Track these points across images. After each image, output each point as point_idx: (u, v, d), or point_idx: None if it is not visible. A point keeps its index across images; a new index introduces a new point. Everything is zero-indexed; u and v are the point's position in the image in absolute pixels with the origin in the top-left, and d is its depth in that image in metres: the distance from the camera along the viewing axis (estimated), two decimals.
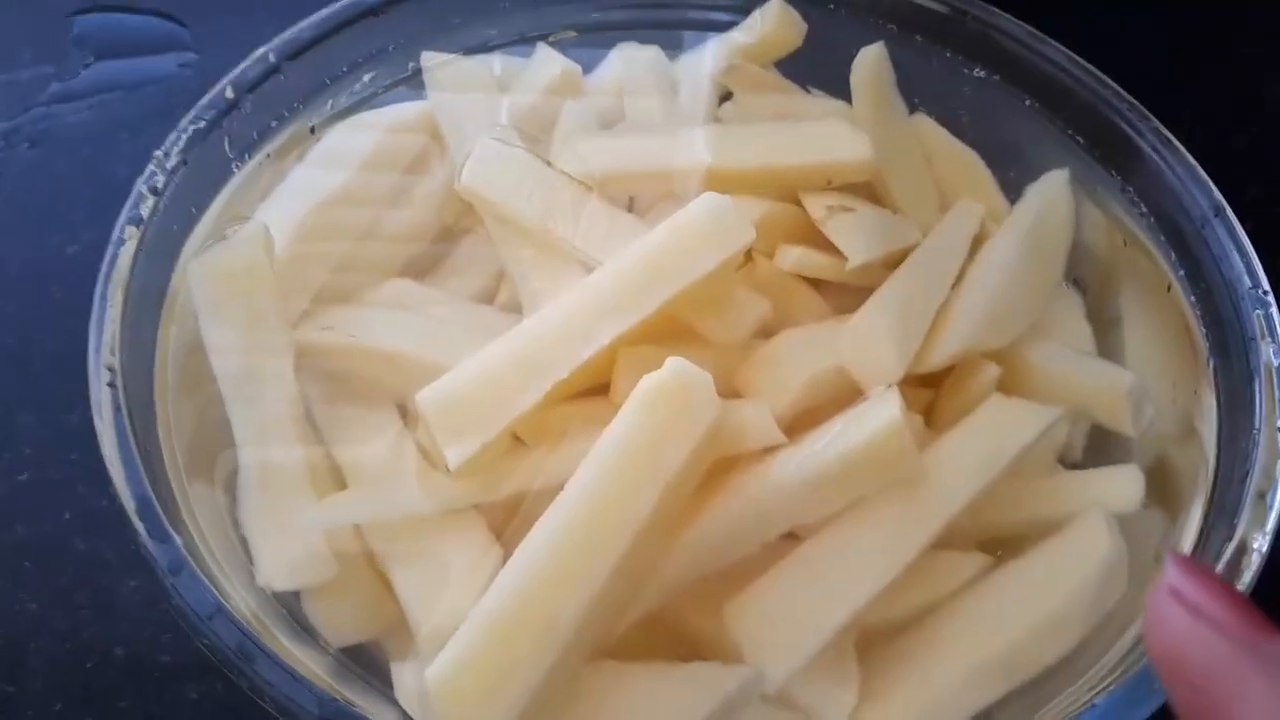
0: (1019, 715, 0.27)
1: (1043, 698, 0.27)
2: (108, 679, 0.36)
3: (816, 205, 0.34)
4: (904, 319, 0.32)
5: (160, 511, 0.25)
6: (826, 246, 0.33)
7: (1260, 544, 0.27)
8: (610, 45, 0.39)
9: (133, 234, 0.29)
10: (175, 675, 0.36)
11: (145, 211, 0.30)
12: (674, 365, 0.28)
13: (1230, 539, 0.28)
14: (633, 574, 0.27)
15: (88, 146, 0.50)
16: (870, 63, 0.38)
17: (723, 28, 0.40)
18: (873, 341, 0.31)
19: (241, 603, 0.26)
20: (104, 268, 0.29)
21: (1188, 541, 0.29)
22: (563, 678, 0.26)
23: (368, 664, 0.29)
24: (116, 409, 0.27)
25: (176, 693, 0.35)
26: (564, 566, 0.26)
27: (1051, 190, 0.36)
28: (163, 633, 0.36)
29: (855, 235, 0.33)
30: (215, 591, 0.25)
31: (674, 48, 0.40)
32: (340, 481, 0.30)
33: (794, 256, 0.33)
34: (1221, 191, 0.33)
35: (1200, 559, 0.28)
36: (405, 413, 0.31)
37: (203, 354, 0.30)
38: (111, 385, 0.27)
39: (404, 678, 0.27)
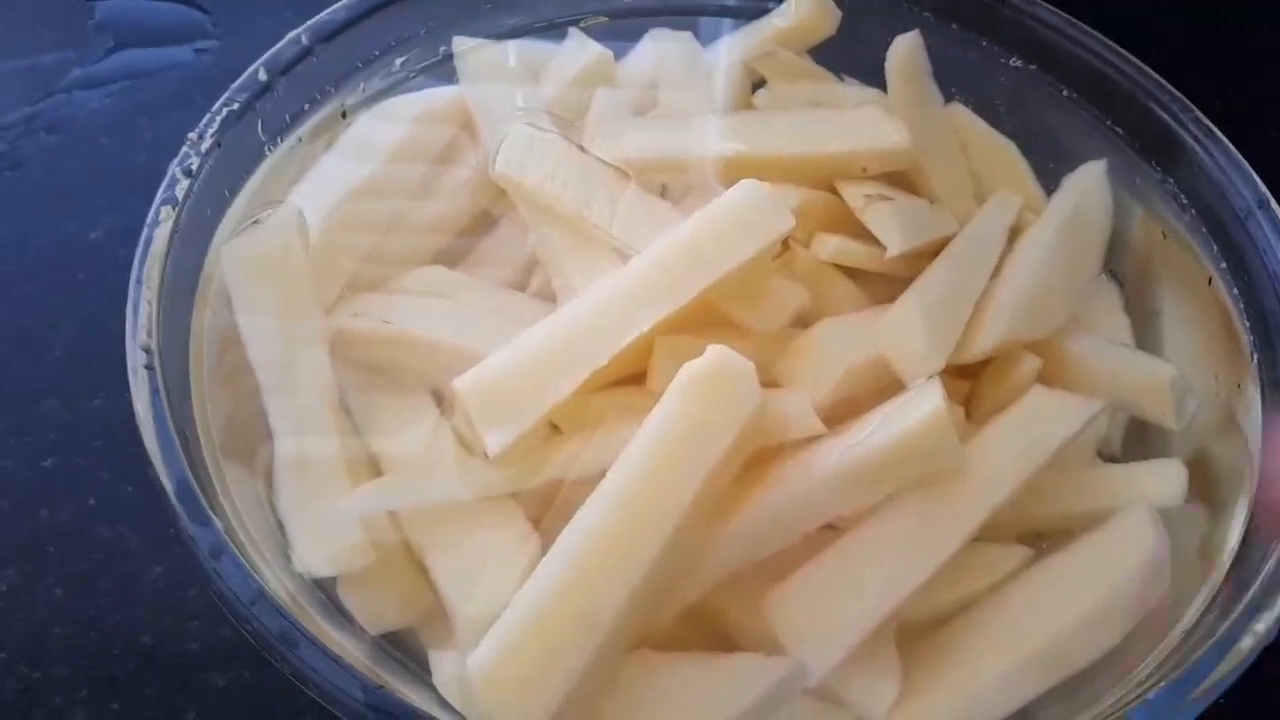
0: (1062, 714, 0.27)
1: (1085, 698, 0.27)
2: (132, 666, 0.35)
3: (854, 194, 0.33)
4: (943, 309, 0.31)
5: (200, 495, 0.25)
6: (863, 235, 0.33)
7: None
8: (642, 31, 0.39)
9: (168, 214, 0.29)
10: (201, 663, 0.35)
11: (179, 193, 0.30)
12: (716, 353, 0.27)
13: (1278, 536, 0.27)
14: (674, 565, 0.27)
15: (108, 133, 0.49)
16: (905, 51, 0.37)
17: (756, 14, 0.39)
18: (911, 332, 0.31)
19: (280, 588, 0.26)
20: (140, 249, 0.29)
21: (1232, 539, 0.29)
22: (603, 668, 0.26)
23: (404, 652, 0.29)
24: (154, 391, 0.26)
25: (202, 681, 0.35)
26: (605, 557, 0.26)
27: (1089, 182, 0.36)
28: (188, 620, 0.36)
29: (893, 225, 0.33)
30: (256, 576, 0.24)
31: (707, 34, 0.39)
32: (376, 469, 0.30)
33: (832, 245, 0.33)
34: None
35: (1247, 556, 0.28)
36: (440, 400, 0.31)
37: (237, 339, 0.30)
38: (149, 368, 0.27)
39: (443, 665, 0.27)
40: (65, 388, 0.41)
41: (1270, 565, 0.27)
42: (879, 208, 0.33)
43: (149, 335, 0.27)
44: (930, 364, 0.30)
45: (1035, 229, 0.34)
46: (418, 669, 0.28)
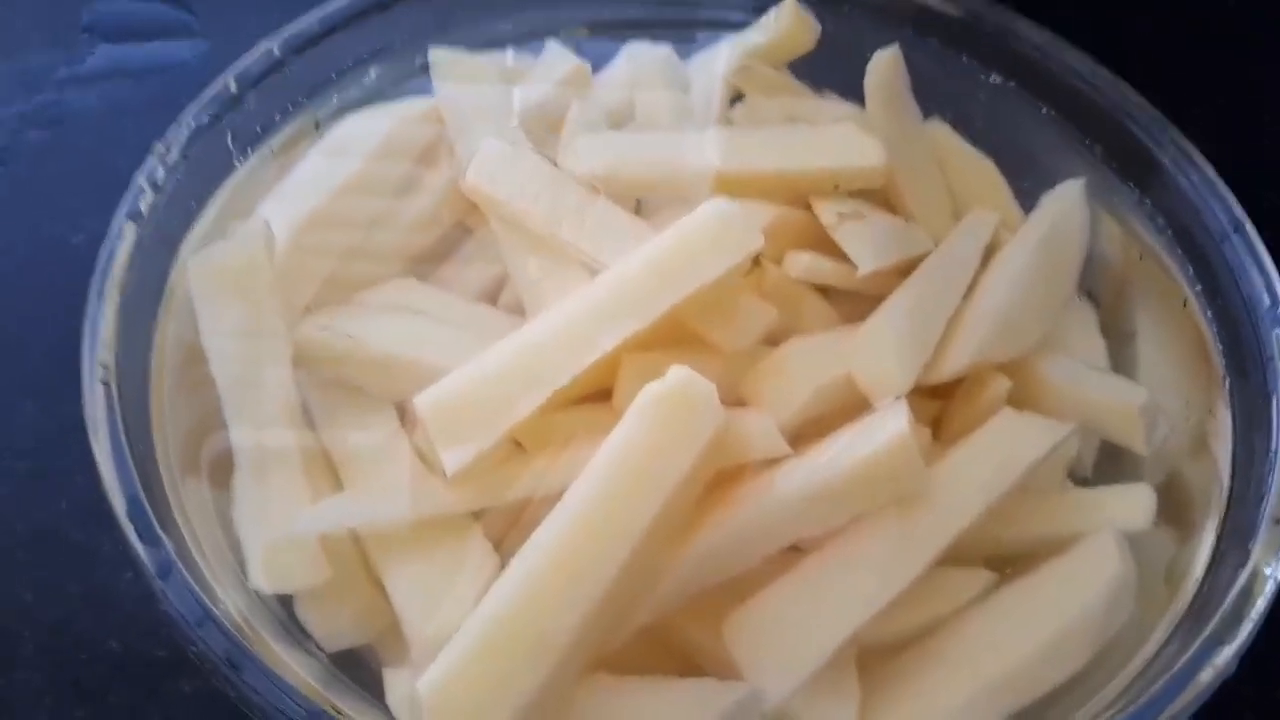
0: None
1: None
2: (100, 673, 0.35)
3: (827, 212, 0.33)
4: (913, 329, 0.31)
5: (150, 513, 0.25)
6: (836, 253, 0.33)
7: (1275, 571, 0.27)
8: (622, 43, 0.39)
9: (130, 229, 0.29)
10: (169, 670, 0.35)
11: (144, 207, 0.30)
12: (677, 374, 0.27)
13: (1244, 565, 0.27)
14: (631, 586, 0.26)
15: (94, 134, 0.49)
16: (884, 67, 0.37)
17: (736, 27, 0.39)
18: (880, 352, 0.31)
19: (232, 605, 0.26)
20: (100, 263, 0.28)
21: (1199, 564, 0.29)
22: (557, 690, 0.25)
23: (362, 670, 0.28)
24: (110, 408, 0.26)
25: (170, 688, 0.35)
26: (561, 578, 0.25)
27: (1066, 200, 0.35)
28: (158, 627, 0.36)
29: (866, 242, 0.32)
30: (205, 596, 0.24)
31: (685, 47, 0.39)
32: (337, 485, 0.30)
33: (803, 263, 0.33)
34: (1237, 197, 0.33)
35: (1212, 584, 0.28)
36: (404, 415, 0.31)
37: (201, 353, 0.30)
38: (105, 383, 0.26)
39: (396, 685, 0.27)
40: (41, 391, 0.41)
41: (1233, 595, 0.26)
42: (852, 226, 0.33)
43: (107, 350, 0.27)
44: (898, 385, 0.30)
45: (1010, 248, 0.34)
46: (374, 693, 0.27)
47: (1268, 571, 0.27)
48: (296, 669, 0.25)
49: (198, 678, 0.35)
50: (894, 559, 0.28)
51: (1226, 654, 0.25)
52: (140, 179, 0.30)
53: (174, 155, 0.31)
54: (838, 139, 0.34)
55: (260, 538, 0.28)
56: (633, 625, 0.27)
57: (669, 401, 0.27)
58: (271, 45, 0.34)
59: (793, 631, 0.27)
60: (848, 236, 0.32)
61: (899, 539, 0.28)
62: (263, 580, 0.28)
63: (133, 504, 0.25)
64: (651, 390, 0.27)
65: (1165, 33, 0.52)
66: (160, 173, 0.30)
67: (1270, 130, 0.50)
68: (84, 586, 0.37)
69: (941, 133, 0.38)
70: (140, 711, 0.35)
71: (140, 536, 0.24)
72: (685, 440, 0.27)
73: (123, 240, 0.29)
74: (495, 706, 0.24)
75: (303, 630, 0.29)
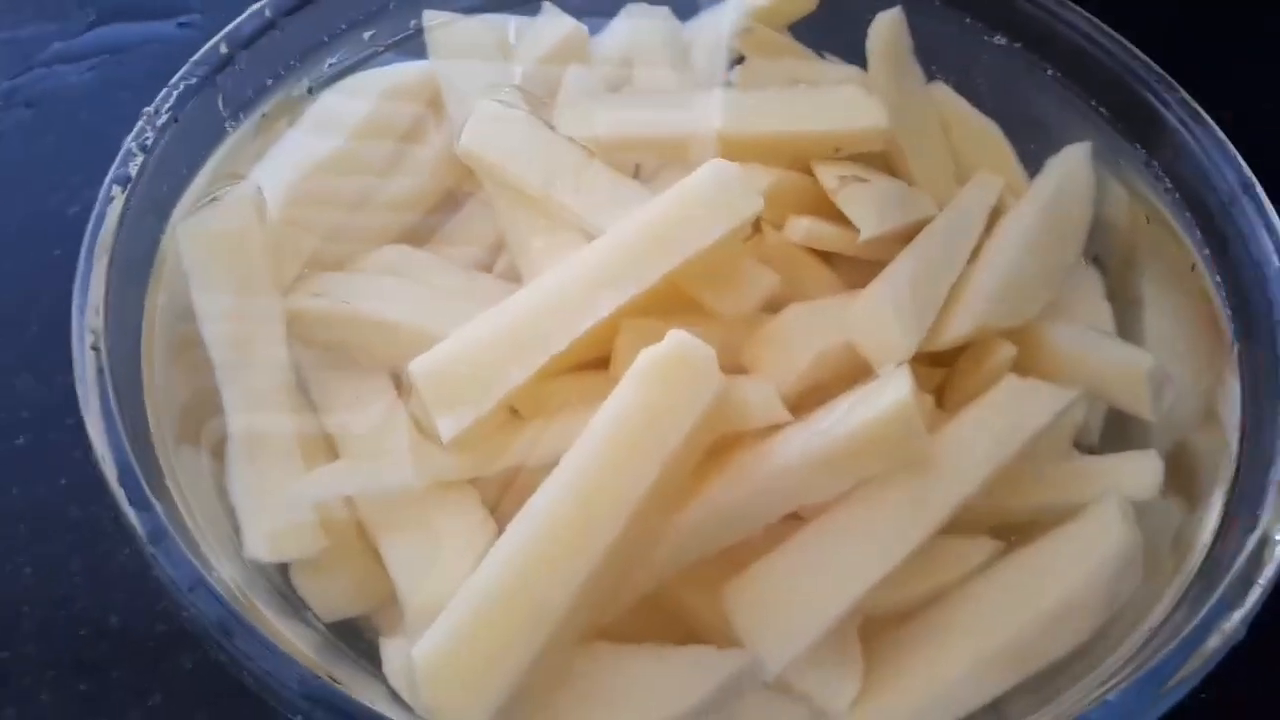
0: (1028, 709, 0.26)
1: (1053, 692, 0.27)
2: (101, 648, 0.35)
3: (829, 175, 0.32)
4: (916, 295, 0.31)
5: (142, 479, 0.25)
6: (838, 218, 0.32)
7: None
8: (619, 6, 0.38)
9: (119, 193, 0.29)
10: (169, 645, 0.35)
11: (133, 170, 0.29)
12: (675, 338, 0.27)
13: (1253, 530, 0.27)
14: (629, 554, 0.26)
15: (88, 107, 0.49)
16: (887, 28, 0.36)
17: None
18: (882, 318, 0.30)
19: (227, 574, 0.25)
20: (90, 227, 0.28)
21: (1207, 531, 0.28)
22: (554, 659, 0.25)
23: (362, 641, 0.28)
24: (100, 373, 0.26)
25: (171, 662, 0.35)
26: (557, 545, 0.25)
27: (1072, 164, 0.35)
28: (158, 602, 0.36)
29: (868, 207, 0.32)
30: (197, 562, 0.24)
31: (686, 8, 0.38)
32: (332, 452, 0.30)
33: (804, 228, 0.32)
34: (1246, 163, 0.32)
35: (1220, 548, 0.27)
36: (399, 383, 0.30)
37: (194, 318, 0.30)
38: (95, 349, 0.26)
39: (392, 654, 0.27)
40: (39, 364, 0.41)
41: (1241, 562, 0.26)
42: (853, 189, 0.32)
43: (97, 315, 0.27)
44: (900, 351, 0.29)
45: (1015, 212, 0.33)
46: (373, 661, 0.27)
47: (1277, 537, 0.26)
48: (292, 638, 0.25)
49: (198, 652, 0.35)
50: (896, 527, 0.27)
51: (1234, 620, 0.25)
52: (129, 142, 0.30)
53: (163, 118, 0.30)
54: (839, 101, 0.34)
55: (255, 507, 0.28)
56: (631, 592, 0.27)
57: (667, 366, 0.26)
58: (264, 6, 0.33)
59: (794, 600, 0.27)
60: (849, 200, 0.32)
61: (902, 507, 0.28)
62: (258, 549, 0.27)
63: (124, 469, 0.24)
64: (649, 354, 0.26)
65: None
66: (150, 135, 0.30)
67: None
68: (84, 562, 0.37)
69: (945, 95, 0.37)
70: (141, 686, 0.35)
71: (131, 501, 0.24)
72: (683, 405, 0.26)
73: (112, 204, 0.28)
74: (490, 675, 0.24)
75: (301, 601, 0.28)
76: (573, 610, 0.25)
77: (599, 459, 0.26)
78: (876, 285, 0.31)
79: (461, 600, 0.25)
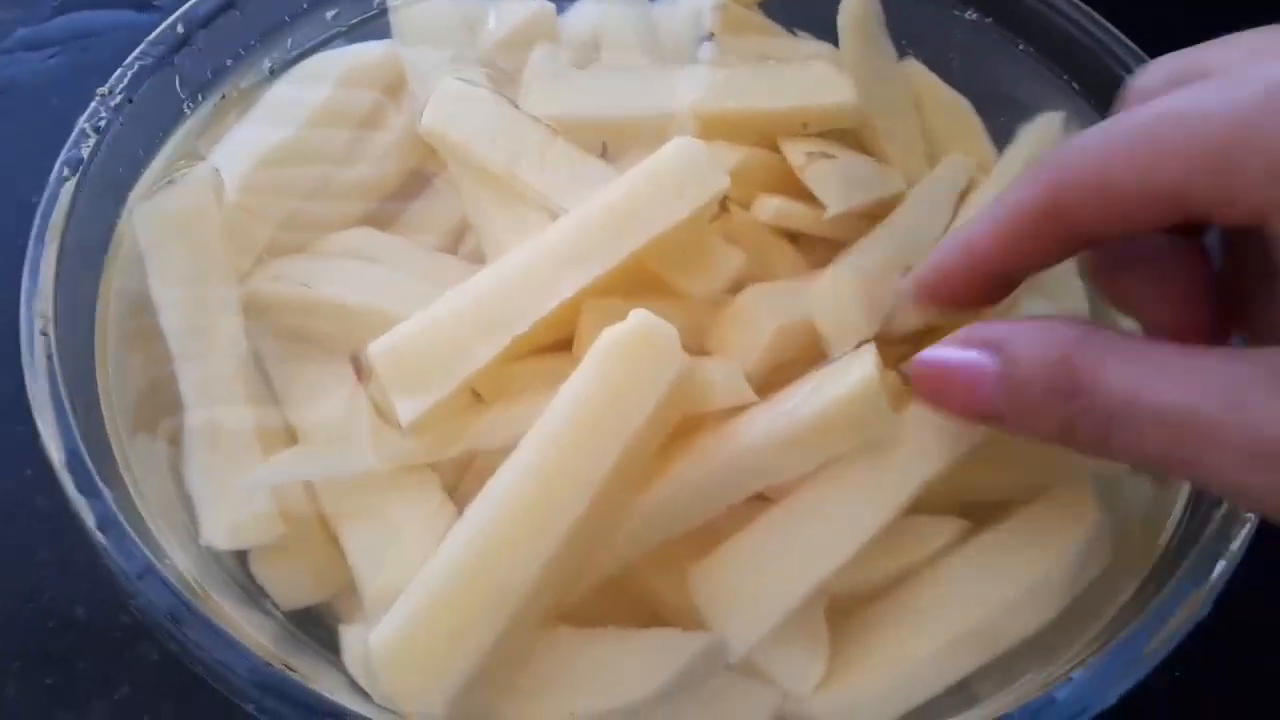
0: (996, 688, 0.26)
1: (1021, 670, 0.26)
2: (67, 639, 0.35)
3: (796, 152, 0.32)
4: (879, 275, 0.30)
5: (90, 466, 0.24)
6: (807, 197, 0.32)
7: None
8: None
9: (70, 175, 0.28)
10: (136, 636, 0.35)
11: (85, 152, 0.29)
12: (637, 317, 0.26)
13: (1219, 505, 0.26)
14: (590, 536, 0.26)
15: (54, 93, 0.48)
16: (858, 4, 0.36)
17: None
18: (842, 298, 0.29)
19: (182, 563, 0.25)
20: (40, 210, 0.28)
21: (1176, 508, 0.28)
22: (514, 643, 0.25)
23: (322, 629, 0.28)
24: (49, 358, 0.25)
25: (137, 654, 0.35)
26: (517, 526, 0.25)
27: (1044, 134, 0.34)
28: (124, 593, 0.36)
29: (835, 183, 0.31)
30: (149, 550, 0.23)
31: None
32: (291, 439, 0.29)
33: (772, 207, 0.32)
34: None
35: (1189, 525, 0.27)
36: (360, 368, 0.30)
37: (151, 304, 0.29)
38: (44, 334, 0.26)
39: (351, 642, 0.26)
40: (3, 354, 0.40)
41: (1206, 537, 0.26)
42: (820, 166, 0.32)
43: (46, 300, 0.26)
44: (859, 332, 0.29)
45: (984, 189, 0.33)
46: (332, 649, 0.27)
47: (1243, 514, 0.26)
48: (248, 628, 0.24)
49: (164, 644, 0.35)
50: (863, 507, 0.27)
51: (1199, 596, 0.25)
52: (82, 123, 0.29)
53: (117, 99, 0.30)
54: (808, 77, 0.33)
55: (212, 494, 0.27)
56: (595, 574, 0.27)
57: (629, 344, 0.26)
58: None
59: (759, 581, 0.26)
60: (816, 176, 0.31)
61: (868, 486, 0.27)
62: (215, 537, 0.27)
63: (71, 456, 0.24)
64: (611, 333, 0.26)
65: None
66: (104, 116, 0.29)
67: None
68: (51, 553, 0.36)
69: (917, 72, 0.37)
70: (108, 677, 0.34)
71: (79, 488, 0.24)
72: (646, 384, 0.26)
73: (64, 187, 0.28)
74: (449, 659, 0.24)
75: (260, 590, 0.28)
76: (533, 593, 0.25)
77: (560, 439, 0.25)
78: (839, 264, 0.31)
79: (419, 584, 0.24)
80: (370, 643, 0.24)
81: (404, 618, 0.24)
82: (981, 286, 0.25)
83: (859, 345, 0.27)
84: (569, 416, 0.26)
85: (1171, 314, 0.24)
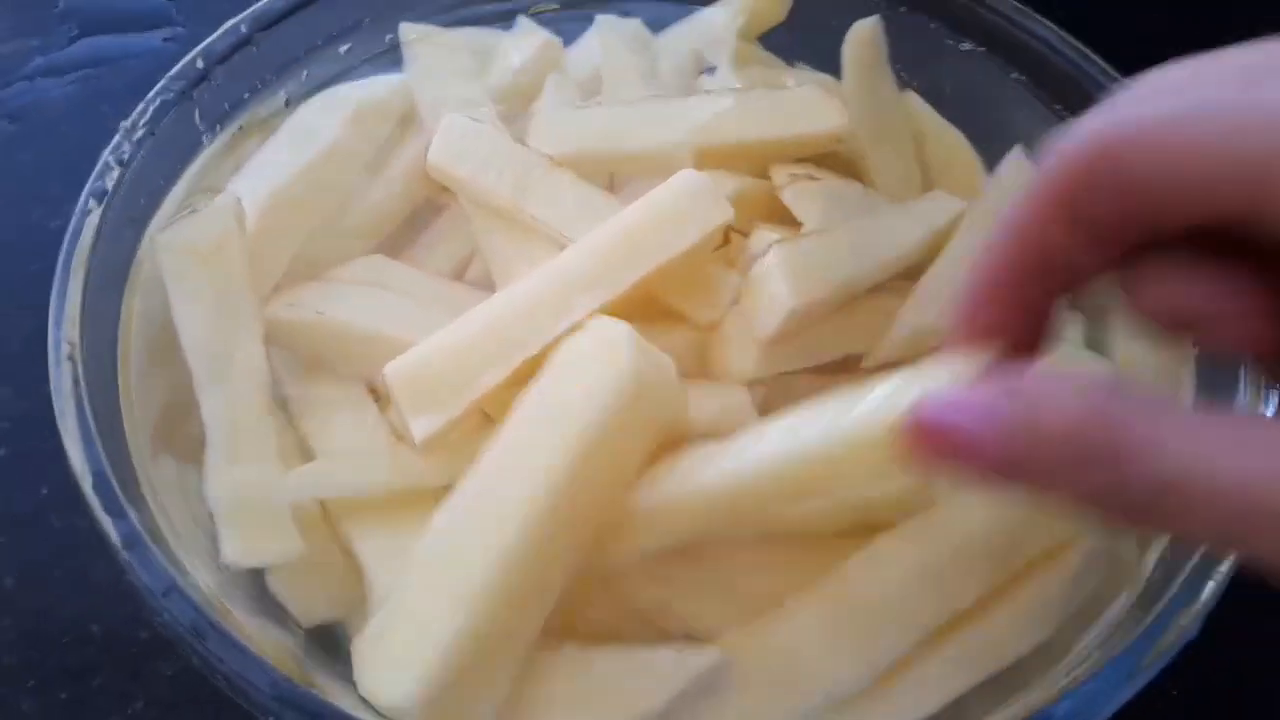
0: (989, 707, 0.27)
1: (1014, 689, 0.27)
2: (83, 656, 0.35)
3: (780, 174, 0.33)
4: (819, 261, 0.30)
5: (116, 486, 0.25)
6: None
7: None
8: (592, 18, 0.38)
9: (95, 207, 0.29)
10: (150, 652, 0.35)
11: (110, 184, 0.30)
12: (595, 321, 0.27)
13: None
14: (556, 537, 0.26)
15: (70, 121, 0.49)
16: (864, 37, 0.37)
17: (707, 0, 0.39)
18: (772, 271, 0.30)
19: (203, 581, 0.26)
20: (67, 240, 0.28)
21: None
22: (496, 647, 0.25)
23: (343, 646, 0.28)
24: (75, 383, 0.26)
25: (152, 670, 0.35)
26: (471, 522, 0.25)
27: (1015, 173, 0.34)
28: (139, 610, 0.36)
29: (813, 202, 0.32)
30: (172, 568, 0.24)
31: (657, 19, 0.39)
32: (309, 460, 0.30)
33: (768, 241, 0.32)
34: None
35: (1180, 545, 0.28)
36: (377, 392, 0.31)
37: (172, 329, 0.30)
38: (71, 359, 0.26)
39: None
40: (20, 376, 0.41)
41: (1197, 557, 0.26)
42: (801, 186, 0.32)
43: (73, 326, 0.27)
44: (782, 304, 0.29)
45: (967, 221, 0.33)
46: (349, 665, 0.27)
47: None
48: (269, 644, 0.25)
49: (179, 658, 0.35)
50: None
51: (1190, 615, 0.25)
52: (107, 155, 0.30)
53: (140, 132, 0.31)
54: (799, 104, 0.34)
55: (232, 513, 0.28)
56: (597, 588, 0.27)
57: (583, 347, 0.27)
58: (240, 22, 0.34)
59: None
60: (795, 196, 0.32)
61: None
62: (235, 554, 0.28)
63: (98, 477, 0.25)
64: (569, 340, 0.27)
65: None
66: (126, 149, 0.30)
67: None
68: (66, 571, 0.37)
69: (916, 105, 0.38)
70: (123, 693, 0.35)
71: (105, 509, 0.24)
72: (597, 381, 0.26)
73: (88, 218, 0.29)
74: (417, 652, 0.24)
75: (281, 609, 0.29)
76: (498, 589, 0.25)
77: (510, 437, 0.26)
78: (779, 246, 0.30)
79: (395, 589, 0.25)
80: (354, 647, 0.25)
81: (380, 619, 0.25)
82: (1011, 299, 0.22)
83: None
84: (522, 416, 0.26)
85: (1237, 327, 0.20)
